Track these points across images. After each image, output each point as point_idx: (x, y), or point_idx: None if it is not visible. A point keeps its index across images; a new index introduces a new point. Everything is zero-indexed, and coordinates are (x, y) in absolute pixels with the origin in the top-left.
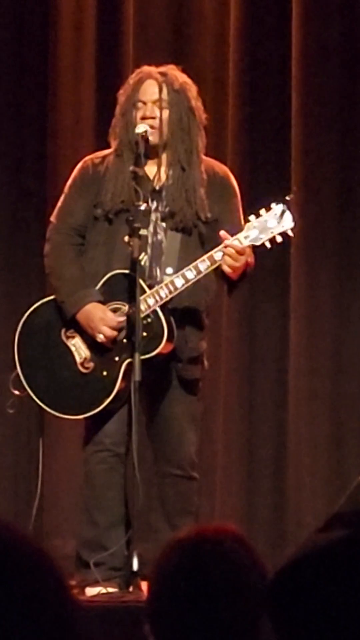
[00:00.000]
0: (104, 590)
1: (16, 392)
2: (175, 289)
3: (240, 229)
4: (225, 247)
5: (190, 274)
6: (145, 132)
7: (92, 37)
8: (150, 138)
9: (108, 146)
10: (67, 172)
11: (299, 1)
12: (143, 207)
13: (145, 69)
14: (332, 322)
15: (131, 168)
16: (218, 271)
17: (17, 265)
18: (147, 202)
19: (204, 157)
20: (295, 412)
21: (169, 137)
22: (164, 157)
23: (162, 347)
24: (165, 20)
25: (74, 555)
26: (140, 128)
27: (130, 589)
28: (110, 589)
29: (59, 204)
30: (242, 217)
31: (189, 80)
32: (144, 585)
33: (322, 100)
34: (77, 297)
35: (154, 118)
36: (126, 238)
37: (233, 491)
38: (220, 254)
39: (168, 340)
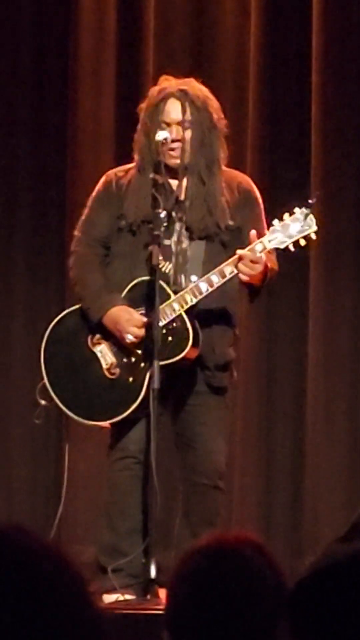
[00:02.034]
0: (121, 598)
1: (43, 402)
2: (200, 293)
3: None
4: (239, 258)
5: (215, 278)
6: (165, 139)
7: (112, 44)
8: (174, 161)
9: (127, 152)
10: (88, 181)
11: (319, 9)
12: (163, 214)
13: (167, 85)
14: (351, 330)
15: (151, 175)
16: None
17: (37, 275)
18: (171, 212)
19: (226, 168)
20: (313, 422)
21: (191, 156)
22: (186, 175)
23: (187, 352)
24: (185, 28)
25: (92, 562)
26: (160, 135)
27: (148, 596)
28: (128, 596)
29: (83, 216)
30: (265, 226)
31: (209, 95)
32: (162, 592)
33: (343, 109)
34: (102, 301)
35: (179, 140)
36: (150, 247)
37: (250, 500)
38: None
39: (193, 345)
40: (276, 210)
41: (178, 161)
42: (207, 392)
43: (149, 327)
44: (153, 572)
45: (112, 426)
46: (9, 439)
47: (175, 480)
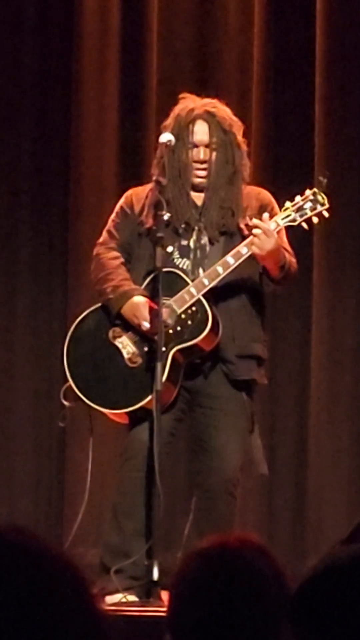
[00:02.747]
0: (123, 599)
1: (67, 404)
2: (217, 275)
3: (283, 243)
4: (253, 233)
5: (230, 259)
6: (169, 141)
7: (116, 47)
8: (199, 181)
9: (130, 154)
10: (91, 184)
11: (323, 13)
12: (167, 216)
13: (193, 106)
14: (355, 331)
15: (154, 177)
16: (260, 269)
17: (40, 277)
18: (190, 217)
19: (249, 186)
20: (317, 424)
21: (214, 177)
22: (207, 193)
23: (206, 334)
24: (189, 30)
25: (95, 563)
26: (164, 138)
27: (150, 598)
28: (130, 598)
29: (106, 227)
30: (284, 234)
31: (233, 116)
32: (164, 595)
33: (347, 115)
34: (121, 291)
35: (206, 162)
36: (170, 248)
37: (253, 502)
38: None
39: (212, 329)
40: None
41: (204, 181)
42: (226, 396)
43: (169, 312)
44: (156, 574)
45: (129, 426)
46: (11, 440)
47: (180, 482)
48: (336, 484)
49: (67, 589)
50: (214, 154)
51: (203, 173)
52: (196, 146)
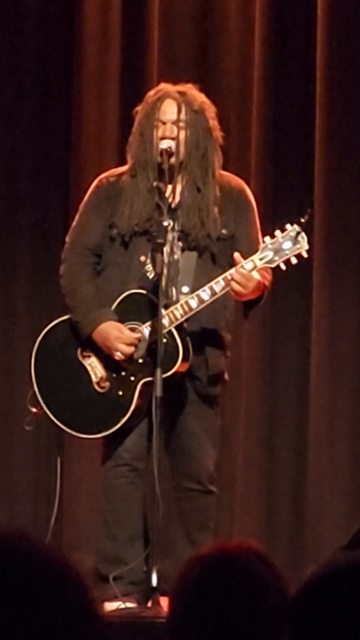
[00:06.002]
0: (122, 606)
1: (34, 410)
2: (190, 309)
3: (258, 244)
4: (231, 276)
5: (205, 295)
6: (170, 147)
7: (116, 52)
8: (165, 147)
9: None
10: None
11: (324, 19)
12: (166, 223)
13: (164, 87)
14: (355, 339)
15: (155, 184)
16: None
17: (40, 283)
18: (163, 215)
19: (220, 172)
20: (316, 429)
21: (185, 157)
22: (180, 177)
23: (177, 367)
24: (189, 36)
25: (92, 570)
26: (164, 144)
27: (149, 604)
28: (129, 604)
29: (74, 223)
30: (259, 230)
31: (207, 100)
32: (163, 601)
33: (346, 119)
34: (92, 316)
35: (173, 138)
36: (142, 258)
37: (253, 508)
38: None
39: (183, 360)
40: (279, 221)
41: (174, 160)
42: (198, 401)
43: (139, 343)
44: (154, 580)
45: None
46: (10, 444)
47: (168, 486)
48: (335, 491)
49: (66, 593)
50: (182, 132)
51: (170, 149)
52: (164, 123)
